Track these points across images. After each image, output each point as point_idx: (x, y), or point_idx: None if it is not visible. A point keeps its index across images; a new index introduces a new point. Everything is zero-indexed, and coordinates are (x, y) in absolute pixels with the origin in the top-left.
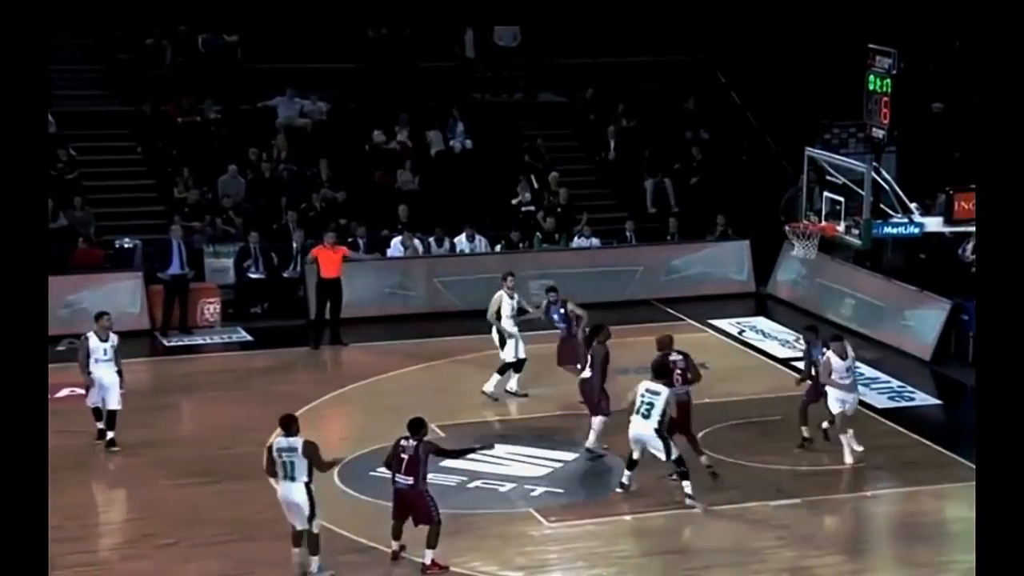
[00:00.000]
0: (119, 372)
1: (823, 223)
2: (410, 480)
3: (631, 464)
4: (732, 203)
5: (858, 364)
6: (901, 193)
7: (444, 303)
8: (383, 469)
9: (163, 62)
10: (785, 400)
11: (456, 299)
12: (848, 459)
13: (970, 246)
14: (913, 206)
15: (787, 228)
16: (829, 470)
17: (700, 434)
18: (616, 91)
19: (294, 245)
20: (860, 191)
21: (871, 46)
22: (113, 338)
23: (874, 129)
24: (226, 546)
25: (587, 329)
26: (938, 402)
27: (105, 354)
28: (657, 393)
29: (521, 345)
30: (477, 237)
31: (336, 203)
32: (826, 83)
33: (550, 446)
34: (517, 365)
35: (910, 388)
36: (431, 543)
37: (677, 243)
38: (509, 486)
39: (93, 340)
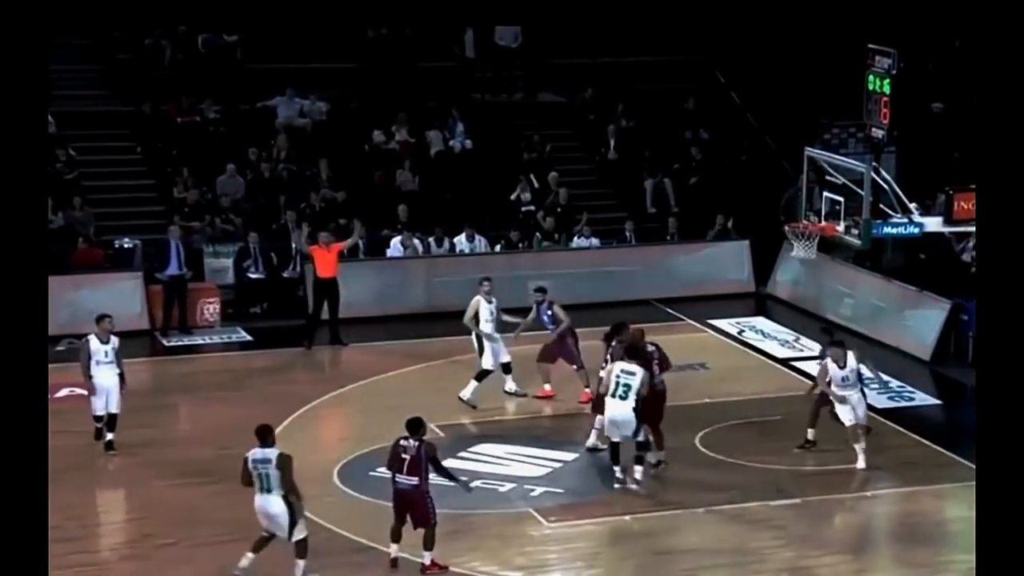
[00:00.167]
0: (121, 375)
1: (823, 223)
2: (414, 480)
3: (615, 455)
4: (732, 203)
5: (867, 372)
6: (901, 193)
7: (444, 303)
8: (383, 469)
9: (163, 62)
10: (785, 400)
11: (456, 299)
12: (861, 464)
13: (970, 245)
14: (913, 206)
15: (787, 228)
16: (829, 470)
17: (700, 434)
18: (616, 91)
19: (293, 245)
20: (860, 191)
21: (871, 46)
22: (114, 340)
23: (874, 129)
24: (226, 546)
25: (556, 333)
26: (938, 402)
27: (106, 356)
28: (633, 373)
29: (503, 349)
30: (477, 237)
31: (336, 203)
32: (826, 83)
33: (550, 446)
34: (505, 367)
35: (910, 388)
36: (428, 545)
37: (677, 243)
38: (509, 486)
39: (94, 342)
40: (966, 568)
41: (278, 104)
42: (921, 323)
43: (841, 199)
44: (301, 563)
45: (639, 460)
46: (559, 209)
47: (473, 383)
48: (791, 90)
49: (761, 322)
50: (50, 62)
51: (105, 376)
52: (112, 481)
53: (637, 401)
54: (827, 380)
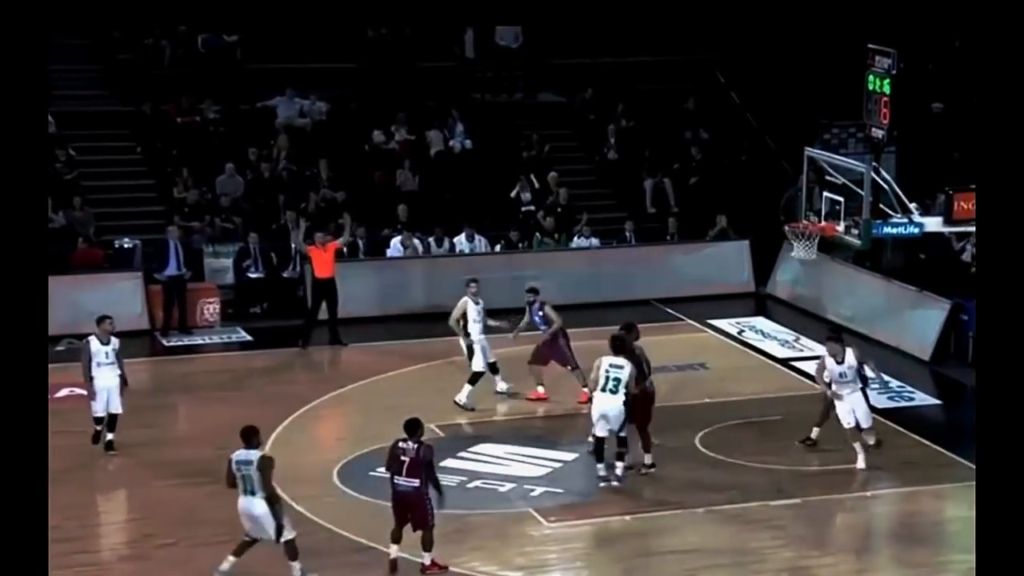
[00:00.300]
0: (122, 376)
1: (823, 223)
2: (415, 482)
3: (600, 452)
4: (732, 203)
5: (869, 373)
6: (901, 193)
7: (444, 303)
8: (382, 469)
9: (163, 62)
10: (785, 400)
11: (456, 299)
12: (860, 464)
13: (969, 245)
14: (913, 206)
15: (787, 228)
16: (829, 470)
17: (700, 434)
18: (616, 91)
19: (292, 245)
20: (860, 191)
21: (871, 46)
22: (114, 341)
23: (874, 129)
24: (226, 546)
25: (548, 333)
26: (938, 402)
27: (107, 357)
28: (621, 367)
29: (488, 350)
30: (477, 237)
31: (336, 203)
32: (826, 83)
33: (550, 446)
34: (492, 368)
35: (910, 388)
36: (427, 546)
37: (677, 243)
38: (509, 486)
39: (95, 344)
40: (966, 568)
41: (278, 104)
42: (921, 323)
43: (841, 199)
44: (296, 565)
45: (621, 456)
46: (559, 209)
47: (467, 387)
48: (791, 90)
49: (761, 322)
50: (50, 62)
51: (106, 377)
52: (112, 481)
53: (626, 394)
54: (824, 377)
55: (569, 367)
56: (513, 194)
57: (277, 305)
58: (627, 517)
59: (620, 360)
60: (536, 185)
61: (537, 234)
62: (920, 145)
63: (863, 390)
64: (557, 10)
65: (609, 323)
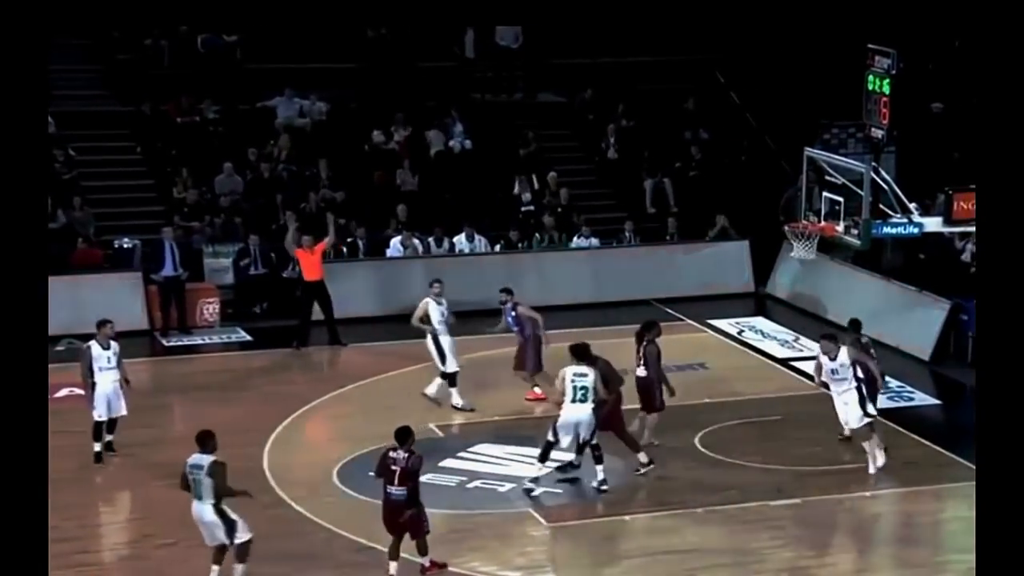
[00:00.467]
0: (124, 379)
1: (822, 223)
2: (405, 490)
3: (546, 454)
4: (732, 203)
5: (889, 381)
6: (900, 193)
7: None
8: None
9: (162, 62)
10: (785, 400)
11: (456, 299)
12: (872, 468)
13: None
14: (912, 206)
15: (787, 228)
16: (829, 470)
17: (700, 434)
18: (616, 91)
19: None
20: (859, 191)
21: (870, 46)
22: (114, 345)
23: (873, 129)
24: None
25: (543, 332)
26: (937, 402)
27: (109, 362)
28: (585, 375)
29: (451, 358)
30: (477, 237)
31: (335, 203)
32: (826, 83)
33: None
34: (443, 374)
35: (909, 388)
36: (423, 551)
37: (677, 243)
38: (509, 486)
39: (96, 348)
40: (966, 568)
41: (278, 104)
42: (921, 323)
43: (841, 199)
44: (240, 567)
45: (599, 460)
46: (559, 209)
47: (452, 390)
48: (791, 90)
49: (761, 322)
50: (50, 62)
51: (107, 382)
52: (112, 481)
53: (595, 401)
54: (820, 372)
55: (526, 370)
56: (516, 192)
57: (277, 305)
58: (627, 517)
59: (583, 368)
60: (536, 185)
61: (537, 234)
62: (920, 145)
63: (859, 390)
64: (557, 10)
65: (609, 323)
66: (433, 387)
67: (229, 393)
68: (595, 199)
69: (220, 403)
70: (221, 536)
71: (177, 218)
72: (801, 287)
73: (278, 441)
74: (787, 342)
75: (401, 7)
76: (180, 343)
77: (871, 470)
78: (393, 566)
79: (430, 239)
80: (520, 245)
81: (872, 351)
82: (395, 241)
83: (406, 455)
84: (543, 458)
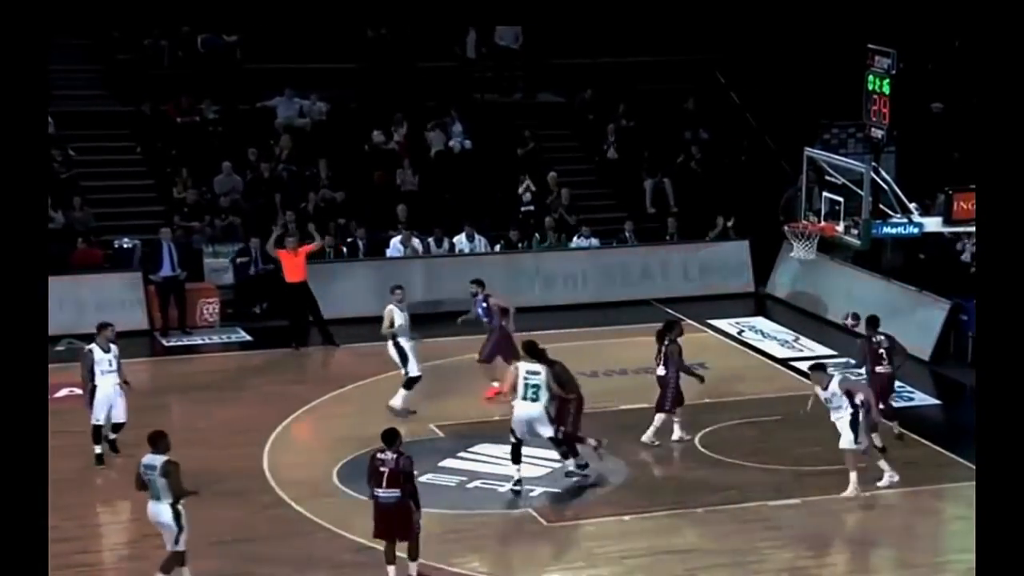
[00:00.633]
0: (123, 381)
1: (822, 223)
2: (395, 492)
3: (517, 455)
4: (732, 203)
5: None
6: (900, 193)
7: (444, 303)
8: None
9: (162, 62)
10: (785, 400)
11: (456, 299)
12: (883, 481)
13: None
14: (912, 206)
15: (786, 228)
16: (829, 470)
17: (700, 434)
18: (616, 91)
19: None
20: (859, 191)
21: (870, 46)
22: (114, 348)
23: (873, 129)
24: (226, 546)
25: (511, 324)
26: (937, 402)
27: (110, 365)
28: (538, 372)
29: (413, 362)
30: (477, 237)
31: (335, 203)
32: (826, 83)
33: (549, 446)
34: (408, 382)
35: (909, 388)
36: (413, 555)
37: (676, 243)
38: (509, 486)
39: (97, 352)
40: (966, 568)
41: (278, 104)
42: (921, 323)
43: (841, 199)
44: (184, 571)
45: (565, 455)
46: (561, 209)
47: (402, 391)
48: (791, 90)
49: (761, 322)
50: (50, 62)
51: (109, 385)
52: (112, 481)
53: (548, 399)
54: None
55: (478, 358)
56: (520, 190)
57: (277, 305)
58: (627, 517)
59: (536, 366)
60: (534, 188)
61: (537, 234)
62: (920, 145)
63: (854, 416)
64: (557, 10)
65: (609, 323)
66: (398, 399)
67: (229, 393)
68: (595, 199)
69: (220, 403)
70: (169, 537)
71: (177, 218)
72: (801, 287)
73: (278, 441)
74: (787, 342)
75: (401, 7)
76: (180, 343)
77: (848, 492)
78: (391, 570)
79: (430, 239)
80: (520, 245)
81: (895, 343)
82: (395, 241)
83: (394, 456)
84: (515, 459)
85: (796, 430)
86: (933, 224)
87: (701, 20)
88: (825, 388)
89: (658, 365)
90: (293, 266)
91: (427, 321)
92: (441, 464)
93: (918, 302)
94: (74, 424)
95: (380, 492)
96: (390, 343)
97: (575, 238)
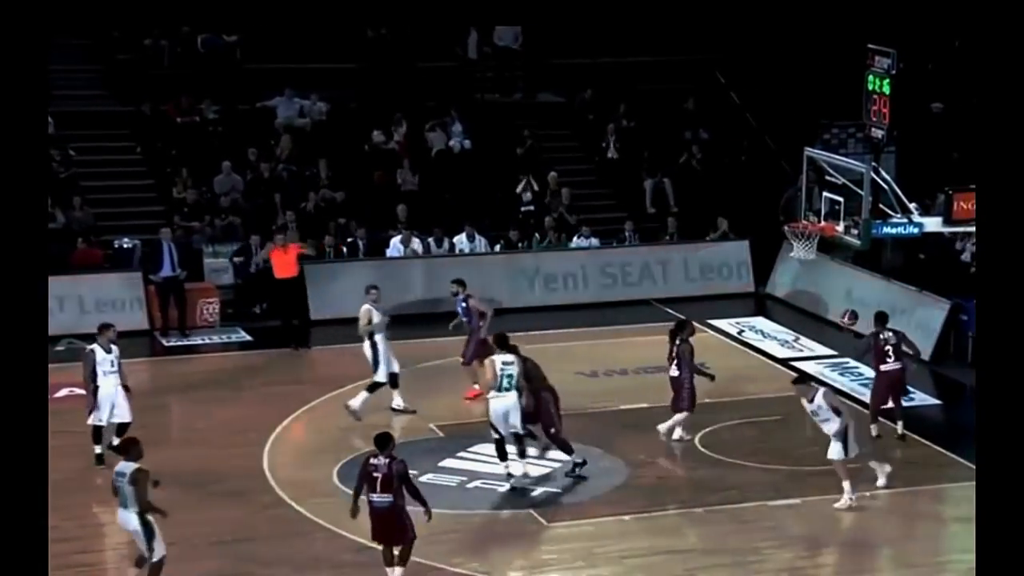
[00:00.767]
0: (124, 385)
1: (822, 223)
2: (388, 497)
3: (502, 451)
4: (732, 203)
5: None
6: (900, 193)
7: (443, 303)
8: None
9: (162, 62)
10: (785, 400)
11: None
12: (881, 480)
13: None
14: (912, 206)
15: (786, 228)
16: (829, 470)
17: (700, 434)
18: (616, 91)
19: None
20: (859, 191)
21: (870, 46)
22: (116, 349)
23: (873, 129)
24: (226, 546)
25: (485, 330)
26: (937, 402)
27: (112, 366)
28: (511, 363)
29: (393, 360)
30: (477, 237)
31: (335, 203)
32: (825, 83)
33: (549, 446)
34: (393, 380)
35: (909, 388)
36: (404, 561)
37: (676, 243)
38: (507, 485)
39: (99, 352)
40: (966, 568)
41: (278, 104)
42: (921, 323)
43: (841, 199)
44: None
45: (522, 453)
46: (561, 209)
47: (363, 394)
48: (791, 90)
49: (761, 322)
50: (50, 62)
51: (110, 386)
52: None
53: (519, 391)
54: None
55: (463, 360)
56: (519, 189)
57: (277, 305)
58: (627, 517)
59: (510, 357)
60: (535, 187)
61: (537, 234)
62: (920, 145)
63: (845, 428)
64: (557, 10)
65: (609, 323)
66: (397, 399)
67: (229, 393)
68: (595, 199)
69: (219, 403)
70: (142, 546)
71: (177, 218)
72: (801, 287)
73: (278, 441)
74: (787, 342)
75: (401, 7)
76: (180, 343)
77: (842, 503)
78: (391, 572)
79: (430, 239)
80: (520, 245)
81: (904, 339)
82: (395, 241)
83: (387, 462)
84: (501, 456)
85: (796, 430)
86: (933, 224)
87: (701, 20)
88: (811, 401)
89: (671, 365)
90: (283, 263)
91: (427, 321)
92: (441, 464)
93: (918, 302)
94: (74, 424)
95: (374, 497)
96: (366, 342)
97: (575, 238)
